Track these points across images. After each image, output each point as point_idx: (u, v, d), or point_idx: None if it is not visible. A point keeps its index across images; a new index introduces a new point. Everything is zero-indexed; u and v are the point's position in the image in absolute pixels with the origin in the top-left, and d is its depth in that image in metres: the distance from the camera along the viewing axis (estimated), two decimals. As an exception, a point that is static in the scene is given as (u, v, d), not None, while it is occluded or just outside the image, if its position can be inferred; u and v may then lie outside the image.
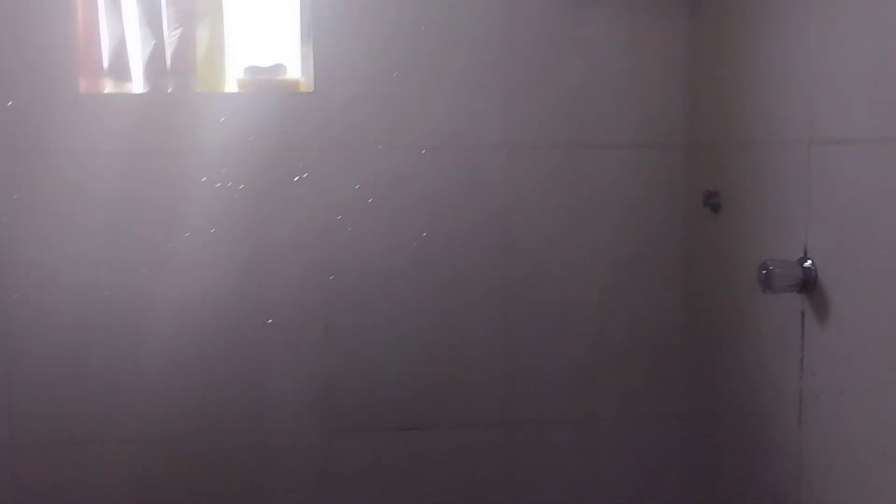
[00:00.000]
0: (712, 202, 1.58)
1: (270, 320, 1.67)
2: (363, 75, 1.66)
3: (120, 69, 1.68)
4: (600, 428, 1.77)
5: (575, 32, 1.69)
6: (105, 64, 1.68)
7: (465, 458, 1.75)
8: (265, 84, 1.71)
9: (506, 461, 1.76)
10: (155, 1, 1.66)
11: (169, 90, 1.68)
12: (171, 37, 1.67)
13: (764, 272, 1.23)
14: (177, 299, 1.65)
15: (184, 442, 1.69)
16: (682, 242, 1.73)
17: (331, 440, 1.72)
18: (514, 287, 1.72)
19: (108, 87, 1.68)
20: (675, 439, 1.77)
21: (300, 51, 1.73)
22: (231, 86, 1.74)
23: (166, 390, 1.67)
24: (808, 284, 1.22)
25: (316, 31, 1.64)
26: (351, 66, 1.66)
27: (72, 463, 1.67)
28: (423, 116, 1.68)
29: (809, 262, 1.22)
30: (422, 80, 1.67)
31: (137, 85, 1.69)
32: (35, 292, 1.63)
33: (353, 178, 1.67)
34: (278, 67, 1.73)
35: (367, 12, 1.65)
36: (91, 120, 1.61)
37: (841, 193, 1.15)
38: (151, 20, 1.67)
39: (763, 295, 1.33)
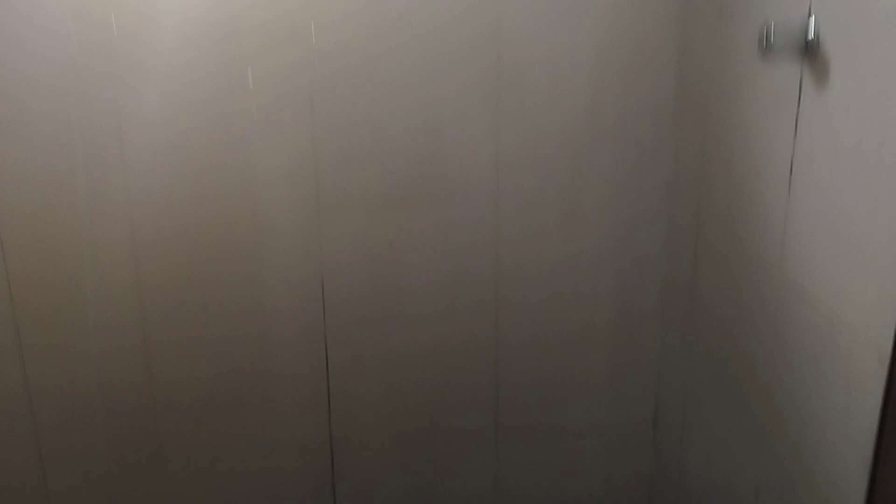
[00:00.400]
0: (712, -34, 1.51)
1: (251, 85, 1.64)
2: None
3: None
4: (587, 202, 1.79)
5: None
6: None
7: (450, 230, 1.78)
8: None
9: (493, 232, 1.78)
10: None
11: None
12: None
13: (764, 33, 1.19)
14: (154, 68, 1.60)
15: (174, 214, 1.70)
16: (679, 13, 1.67)
17: (320, 215, 1.73)
18: (504, 61, 1.67)
19: None
20: (662, 209, 1.79)
21: None
22: None
23: (152, 162, 1.66)
24: (810, 47, 1.19)
25: None
26: None
27: (61, 233, 1.68)
28: None
29: (812, 21, 1.18)
30: None
31: None
32: (11, 63, 1.58)
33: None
34: None
35: None
36: None
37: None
38: None
39: (760, 62, 1.31)
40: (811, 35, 1.18)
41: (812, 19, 1.18)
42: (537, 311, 1.85)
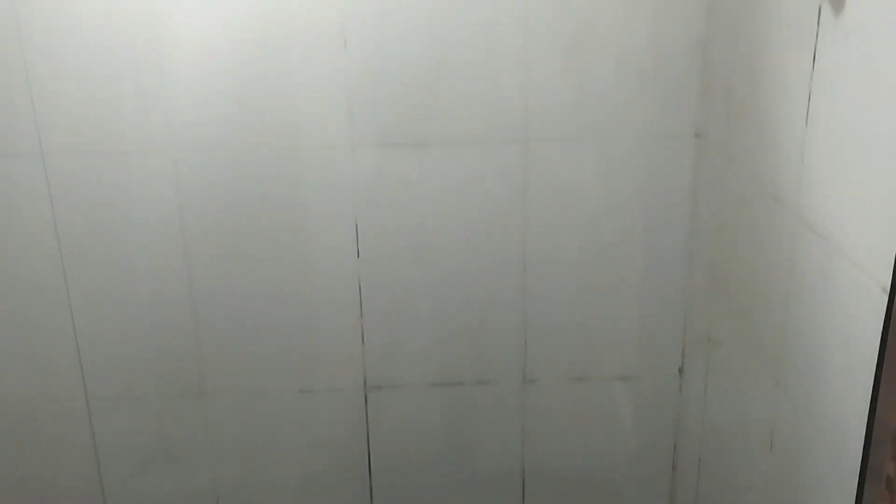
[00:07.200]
0: None
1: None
2: None
3: None
4: (615, 146, 1.78)
5: None
6: None
7: (477, 175, 1.79)
8: None
9: (521, 176, 1.79)
10: None
11: None
12: None
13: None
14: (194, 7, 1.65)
15: (215, 153, 1.75)
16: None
17: (354, 154, 1.76)
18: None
19: None
20: (690, 157, 1.77)
21: None
22: None
23: (194, 102, 1.70)
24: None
25: None
26: None
27: (104, 171, 1.74)
28: None
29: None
30: None
31: None
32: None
33: None
34: None
35: None
36: None
37: None
38: None
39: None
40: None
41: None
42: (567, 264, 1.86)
